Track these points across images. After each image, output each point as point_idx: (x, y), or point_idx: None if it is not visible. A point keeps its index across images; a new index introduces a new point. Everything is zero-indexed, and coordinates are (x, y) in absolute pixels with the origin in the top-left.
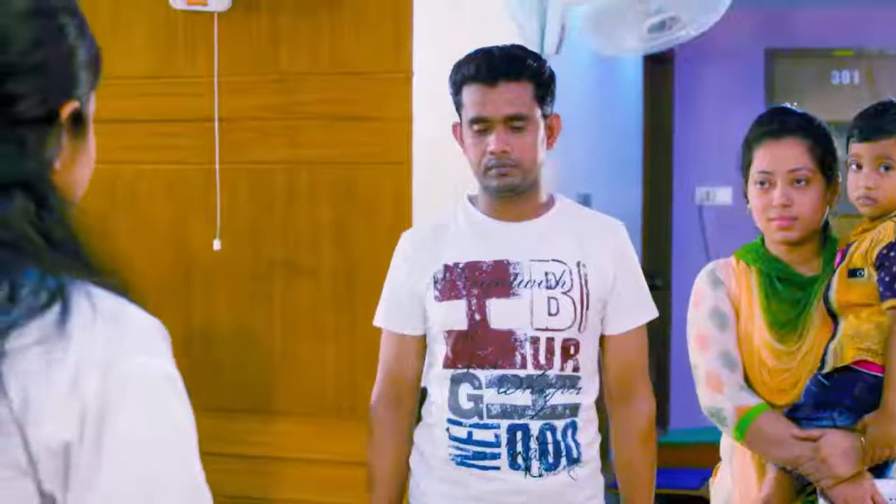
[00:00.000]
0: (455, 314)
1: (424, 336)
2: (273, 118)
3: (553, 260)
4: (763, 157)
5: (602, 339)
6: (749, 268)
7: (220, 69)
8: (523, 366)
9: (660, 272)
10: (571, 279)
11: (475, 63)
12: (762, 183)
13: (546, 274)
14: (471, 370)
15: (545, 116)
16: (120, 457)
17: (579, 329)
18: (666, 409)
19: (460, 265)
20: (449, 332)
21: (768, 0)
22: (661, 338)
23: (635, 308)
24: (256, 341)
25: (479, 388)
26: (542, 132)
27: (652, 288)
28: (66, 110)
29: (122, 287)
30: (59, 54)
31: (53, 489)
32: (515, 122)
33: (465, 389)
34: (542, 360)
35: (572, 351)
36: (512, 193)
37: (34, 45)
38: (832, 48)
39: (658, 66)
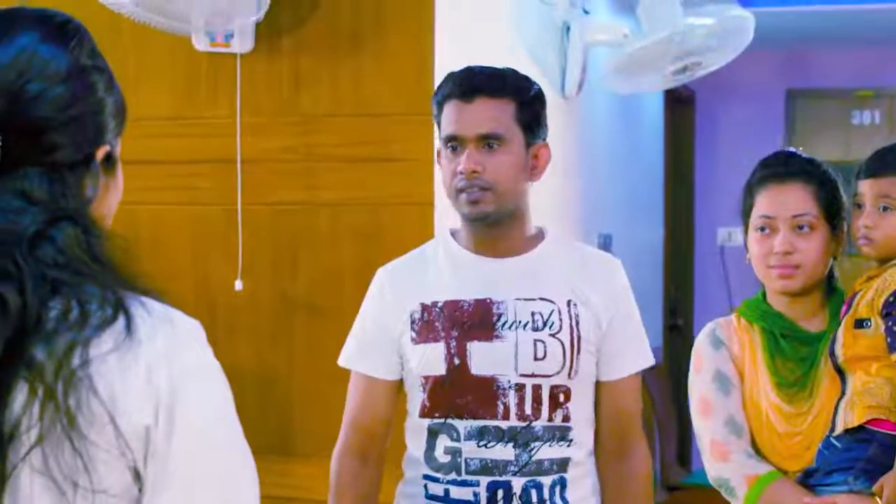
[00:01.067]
0: (432, 358)
1: (396, 382)
2: (295, 159)
3: (541, 299)
4: (764, 202)
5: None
6: (751, 326)
7: (243, 110)
8: (506, 416)
9: (682, 312)
10: (561, 320)
11: (455, 79)
12: (763, 229)
13: (533, 314)
14: (449, 420)
15: (529, 144)
16: (188, 429)
17: (569, 375)
18: (688, 450)
19: (439, 304)
20: (426, 378)
21: (789, 40)
22: (683, 377)
23: (631, 352)
24: (277, 382)
25: (458, 440)
26: (522, 157)
27: (674, 327)
28: (100, 154)
29: (158, 295)
30: (90, 108)
31: (139, 464)
32: (490, 141)
33: (442, 441)
34: (528, 410)
35: (562, 399)
36: (487, 222)
37: (70, 102)
38: (853, 88)
39: (679, 106)
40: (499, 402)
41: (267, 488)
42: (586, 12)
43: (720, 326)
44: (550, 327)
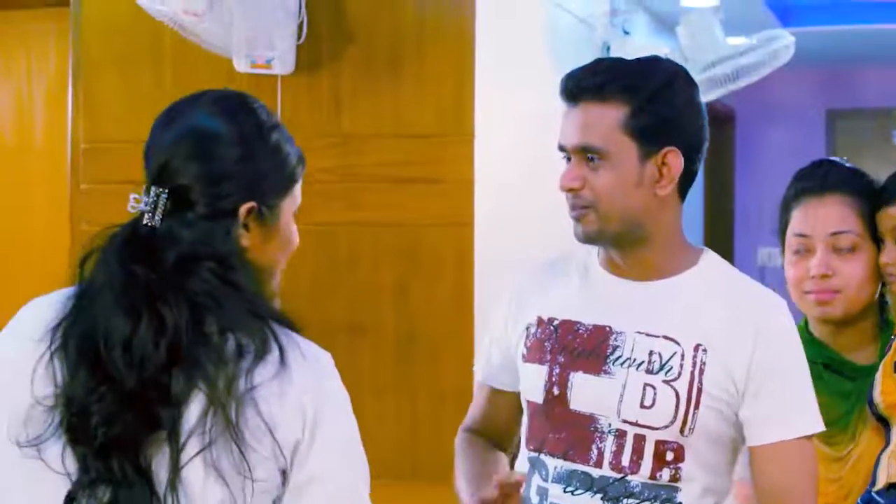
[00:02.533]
0: (534, 381)
1: (516, 394)
2: (335, 180)
3: (664, 337)
4: (800, 218)
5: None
6: None
7: None
8: (598, 464)
9: None
10: (682, 365)
11: (568, 74)
12: (798, 251)
13: (650, 353)
14: (541, 456)
15: (649, 153)
16: (327, 440)
17: (682, 431)
18: None
19: (556, 322)
20: (528, 403)
21: (829, 60)
22: None
23: (780, 414)
24: None
25: (546, 480)
26: (633, 172)
27: None
28: (243, 209)
29: (295, 326)
30: (228, 172)
31: (287, 468)
32: (589, 154)
33: (535, 479)
34: (625, 462)
35: (670, 457)
36: (598, 243)
37: (207, 169)
38: (893, 108)
39: (720, 125)
40: (594, 447)
41: None
42: (626, 33)
43: None
44: (666, 372)
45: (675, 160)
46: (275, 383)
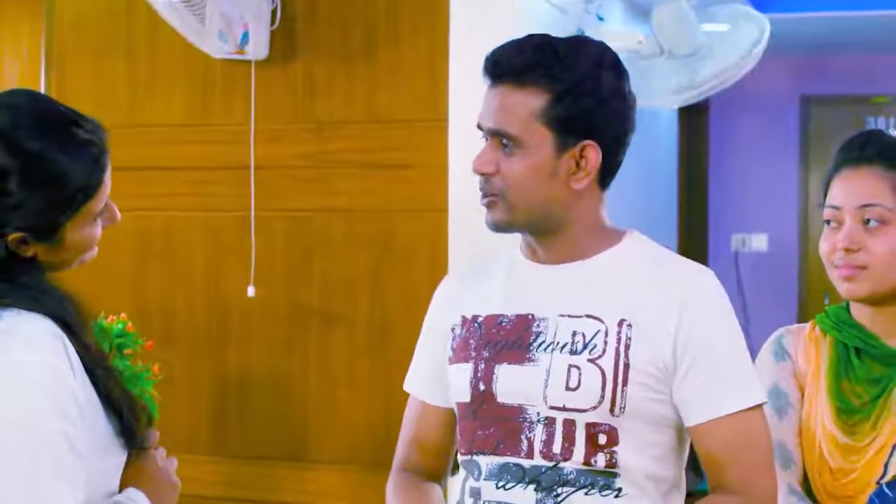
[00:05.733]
0: (461, 381)
1: (449, 410)
2: (309, 166)
3: (587, 316)
4: (834, 190)
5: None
6: (824, 336)
7: (257, 117)
8: (529, 454)
9: None
10: (606, 342)
11: (493, 50)
12: (828, 222)
13: (574, 334)
14: (473, 457)
15: (566, 145)
16: None
17: (612, 411)
18: None
19: (480, 319)
20: (458, 405)
21: (803, 47)
22: None
23: (717, 391)
24: (291, 389)
25: (479, 479)
26: (549, 163)
27: None
28: (9, 239)
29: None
30: None
31: None
32: (503, 140)
33: (468, 481)
34: (556, 449)
35: (602, 441)
36: (510, 232)
37: None
38: (868, 94)
39: (693, 113)
40: (522, 437)
41: (282, 495)
42: (601, 19)
43: (789, 334)
44: (591, 351)
45: (593, 154)
46: None
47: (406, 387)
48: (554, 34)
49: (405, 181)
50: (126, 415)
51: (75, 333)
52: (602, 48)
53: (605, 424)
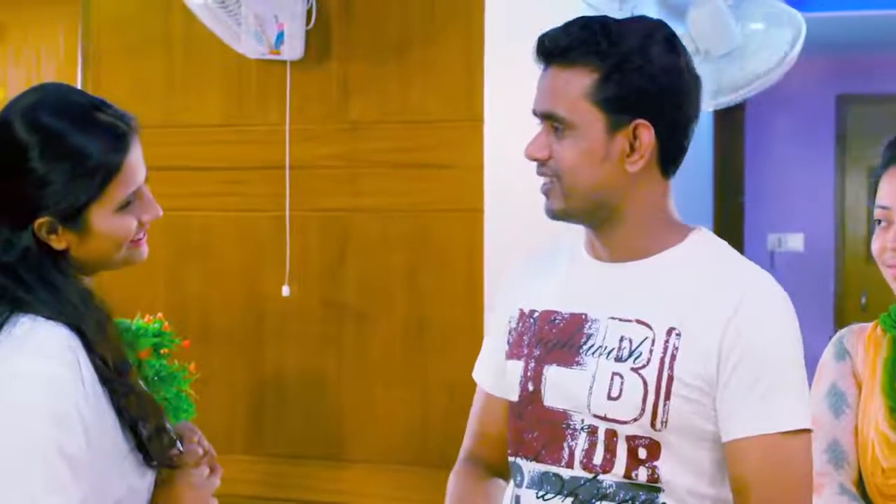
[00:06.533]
0: (512, 379)
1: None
2: (344, 166)
3: (636, 321)
4: (883, 188)
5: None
6: (884, 335)
7: (292, 117)
8: (569, 464)
9: None
10: (651, 352)
11: (542, 34)
12: (879, 221)
13: (621, 339)
14: (517, 460)
15: (617, 125)
16: None
17: (653, 425)
18: None
19: (535, 314)
20: (510, 403)
21: (840, 46)
22: None
23: (757, 406)
24: (326, 387)
25: (521, 486)
26: (601, 144)
27: None
28: (35, 225)
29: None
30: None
31: None
32: (555, 123)
33: (511, 487)
34: (597, 460)
35: (643, 455)
36: (568, 221)
37: None
38: None
39: (728, 114)
40: (565, 445)
41: (318, 494)
42: None
43: (851, 334)
44: (636, 359)
45: (646, 134)
46: None
47: (474, 375)
48: None
49: (440, 180)
50: (141, 431)
51: (92, 345)
52: (655, 24)
53: (646, 438)
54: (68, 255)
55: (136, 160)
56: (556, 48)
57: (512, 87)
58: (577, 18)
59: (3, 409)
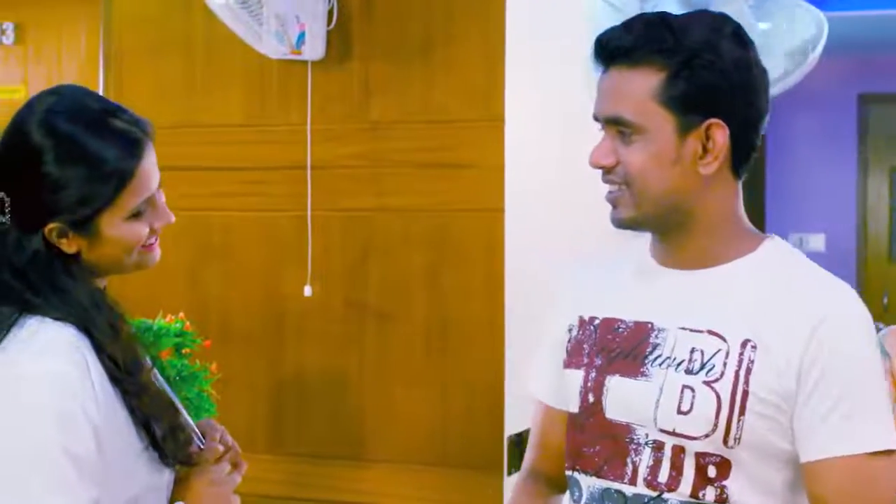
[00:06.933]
0: (572, 389)
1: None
2: (365, 166)
3: (709, 332)
4: None
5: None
6: None
7: (313, 117)
8: (633, 480)
9: None
10: (725, 364)
11: (600, 34)
12: None
13: (692, 351)
14: (575, 474)
15: (689, 126)
16: None
17: (725, 441)
18: None
19: (596, 321)
20: (568, 415)
21: (861, 45)
22: None
23: (840, 425)
24: (347, 387)
25: (579, 501)
26: (671, 147)
27: None
28: (46, 230)
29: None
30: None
31: None
32: (620, 128)
33: (567, 501)
34: (662, 478)
35: (712, 473)
36: (637, 230)
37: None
38: None
39: None
40: (628, 461)
41: (339, 493)
42: None
43: (891, 334)
44: (708, 372)
45: (720, 134)
46: None
47: (530, 387)
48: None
49: (461, 180)
50: (155, 430)
51: (101, 345)
52: (721, 17)
53: (717, 455)
54: (80, 257)
55: (150, 167)
56: (618, 49)
57: (533, 87)
58: (637, 16)
59: (8, 408)
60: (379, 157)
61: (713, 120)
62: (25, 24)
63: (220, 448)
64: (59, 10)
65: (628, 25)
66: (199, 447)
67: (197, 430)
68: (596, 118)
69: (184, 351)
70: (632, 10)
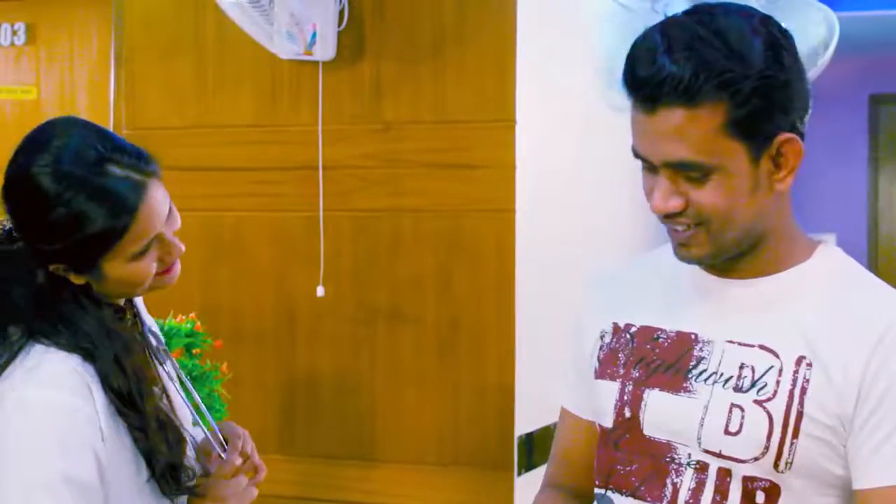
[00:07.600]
0: (604, 401)
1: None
2: (376, 166)
3: (760, 347)
4: None
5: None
6: None
7: (325, 118)
8: (672, 503)
9: None
10: (779, 382)
11: (633, 69)
12: None
13: (742, 367)
14: (608, 493)
15: (761, 149)
16: None
17: (776, 466)
18: None
19: (633, 329)
20: (600, 428)
21: (872, 46)
22: None
23: None
24: (359, 388)
25: None
26: (748, 176)
27: None
28: (52, 267)
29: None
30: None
31: None
32: (687, 172)
33: None
34: (705, 501)
35: (760, 499)
36: (706, 263)
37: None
38: None
39: None
40: (668, 482)
41: (350, 494)
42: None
43: None
44: (759, 391)
45: (790, 148)
46: None
47: (559, 398)
48: (623, 33)
49: (473, 181)
50: (154, 463)
51: (106, 377)
52: (766, 21)
53: (766, 480)
54: (90, 287)
55: (152, 209)
56: (674, 88)
57: (544, 87)
58: (675, 38)
59: (10, 436)
60: (390, 157)
61: (784, 136)
62: (37, 25)
63: (239, 462)
64: (70, 11)
65: (672, 54)
66: (220, 455)
67: (220, 436)
68: (636, 155)
69: (195, 351)
70: (642, 10)
